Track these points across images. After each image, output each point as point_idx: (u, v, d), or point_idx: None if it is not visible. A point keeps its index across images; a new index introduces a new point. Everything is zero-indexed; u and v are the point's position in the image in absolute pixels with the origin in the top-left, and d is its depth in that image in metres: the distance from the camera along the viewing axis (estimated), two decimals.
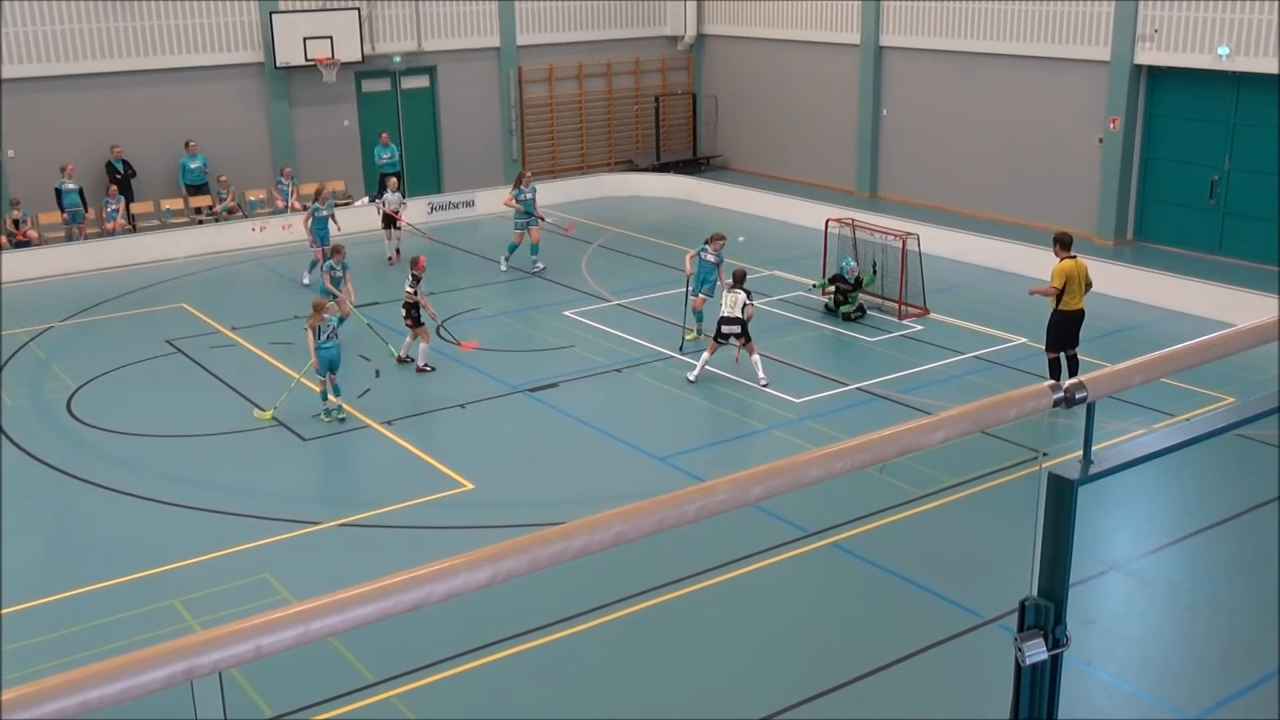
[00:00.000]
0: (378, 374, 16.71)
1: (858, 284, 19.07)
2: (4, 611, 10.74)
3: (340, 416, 15.19)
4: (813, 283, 19.98)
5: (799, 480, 3.28)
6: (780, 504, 11.73)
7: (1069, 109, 23.53)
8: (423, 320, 16.80)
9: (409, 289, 16.71)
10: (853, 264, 19.23)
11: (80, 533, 12.49)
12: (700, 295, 17.84)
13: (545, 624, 10.22)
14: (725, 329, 15.94)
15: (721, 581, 11.03)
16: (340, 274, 17.88)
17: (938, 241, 21.81)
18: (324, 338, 14.91)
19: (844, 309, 19.00)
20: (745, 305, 15.90)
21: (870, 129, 27.56)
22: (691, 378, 16.25)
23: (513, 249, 21.97)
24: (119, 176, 24.69)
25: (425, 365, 16.84)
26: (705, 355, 16.32)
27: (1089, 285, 15.20)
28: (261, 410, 15.43)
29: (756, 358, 16.03)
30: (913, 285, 19.08)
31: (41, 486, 13.56)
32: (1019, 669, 3.71)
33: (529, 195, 21.90)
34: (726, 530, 11.40)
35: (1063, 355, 15.24)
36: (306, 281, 21.29)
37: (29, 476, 13.80)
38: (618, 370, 16.89)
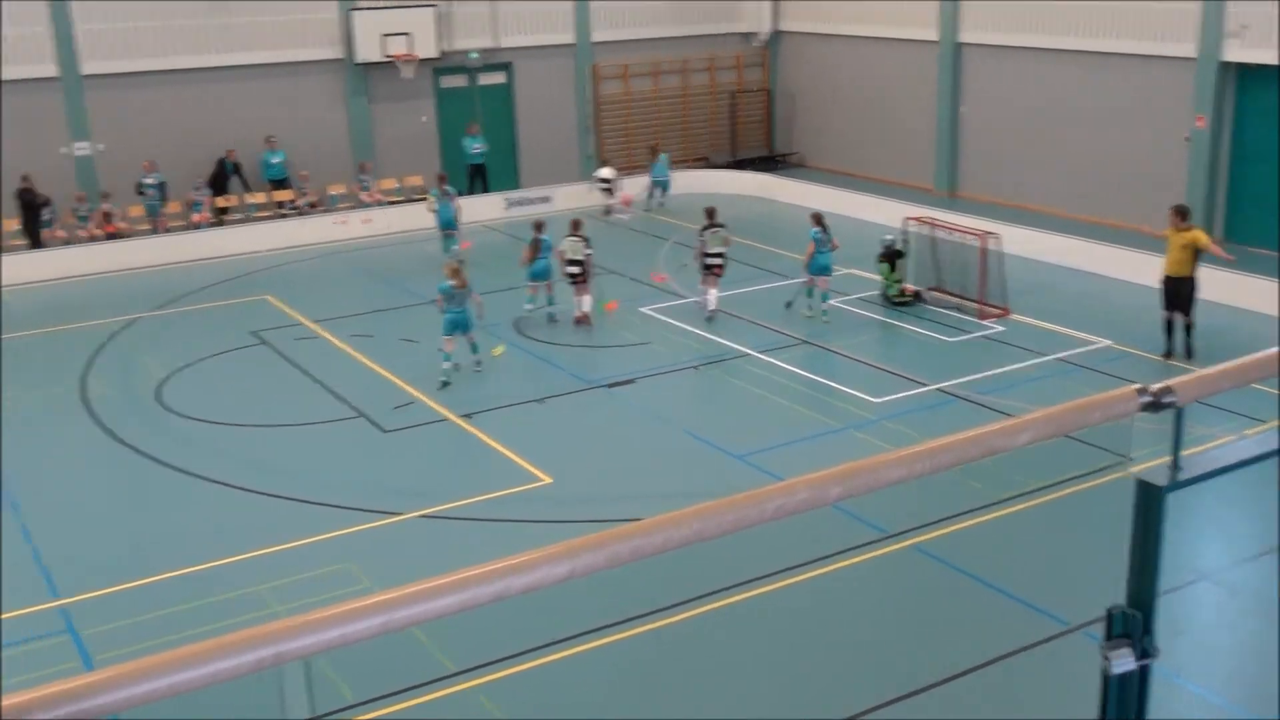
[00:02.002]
0: (457, 368, 16.86)
1: (899, 255, 19.28)
2: (96, 594, 11.02)
3: (476, 370, 16.65)
4: (880, 277, 19.81)
5: (879, 481, 3.26)
6: (859, 504, 11.64)
7: (1154, 107, 23.06)
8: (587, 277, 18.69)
9: (587, 250, 18.43)
10: (889, 237, 19.54)
11: (169, 519, 12.76)
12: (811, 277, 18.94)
13: (621, 620, 10.24)
14: (709, 261, 18.79)
15: (799, 582, 10.98)
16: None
17: (1019, 241, 21.51)
18: (453, 303, 16.08)
19: (889, 292, 19.17)
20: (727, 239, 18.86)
21: (949, 126, 27.23)
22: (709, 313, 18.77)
23: None
24: (228, 177, 25.31)
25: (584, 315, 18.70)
26: (713, 291, 18.84)
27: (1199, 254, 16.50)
28: (496, 347, 17.32)
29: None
30: (993, 285, 18.83)
31: (132, 472, 13.89)
32: (1106, 679, 3.64)
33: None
34: (805, 530, 11.34)
35: (1177, 316, 16.58)
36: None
37: (121, 462, 14.15)
38: (695, 367, 16.88)
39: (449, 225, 22.78)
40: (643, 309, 19.50)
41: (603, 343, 18.13)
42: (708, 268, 18.85)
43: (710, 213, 19.25)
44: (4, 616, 10.64)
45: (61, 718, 2.34)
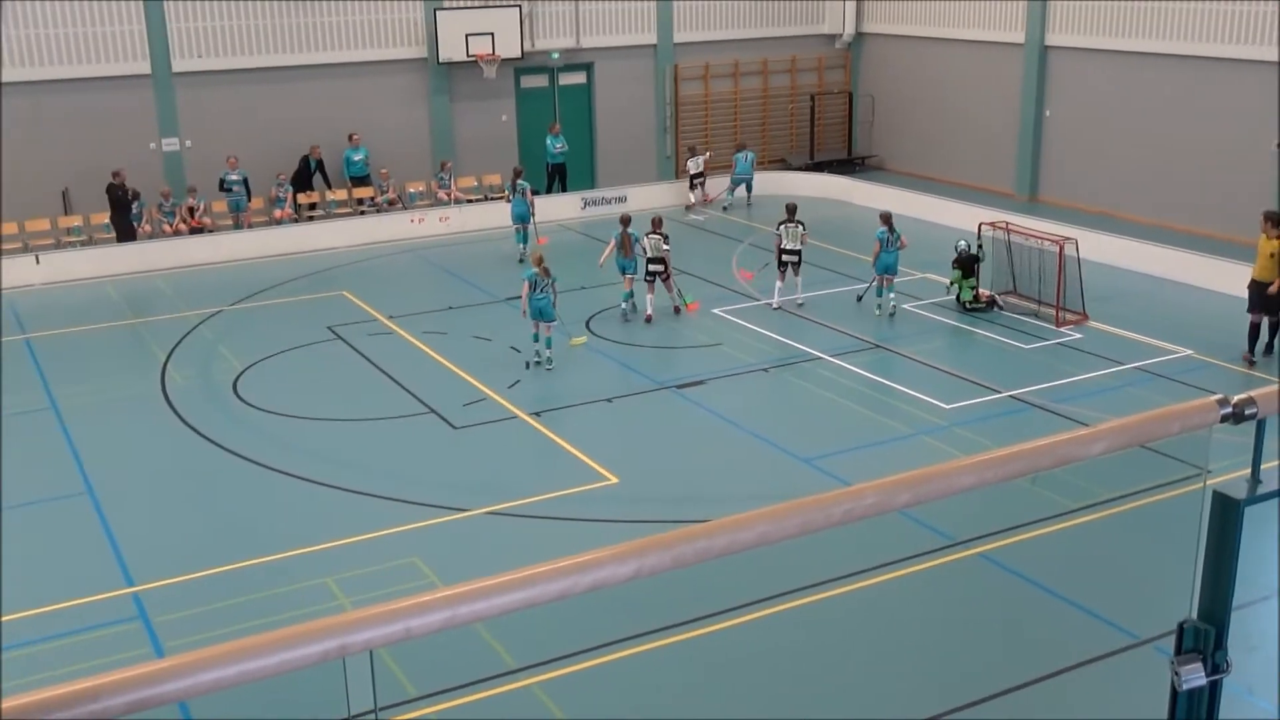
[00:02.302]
0: (528, 366, 16.95)
1: (975, 260, 19.06)
2: (169, 582, 11.24)
3: (548, 368, 16.86)
4: (949, 281, 19.61)
5: (949, 488, 3.22)
6: (927, 511, 11.52)
7: (1243, 113, 22.53)
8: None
9: (666, 246, 18.87)
10: (963, 243, 19.36)
11: (240, 509, 12.98)
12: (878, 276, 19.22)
13: (684, 620, 10.24)
14: (785, 258, 19.39)
15: (865, 587, 10.89)
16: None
17: (1100, 247, 21.15)
18: (538, 290, 16.48)
19: (963, 297, 18.99)
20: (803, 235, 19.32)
21: (1032, 130, 26.85)
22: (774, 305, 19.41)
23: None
24: (312, 174, 25.71)
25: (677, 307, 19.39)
26: (778, 284, 19.45)
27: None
28: (575, 338, 17.78)
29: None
30: (1070, 291, 18.53)
31: (206, 463, 14.15)
32: (1175, 693, 3.57)
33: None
34: (872, 536, 11.25)
35: (1265, 320, 16.66)
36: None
37: (196, 452, 14.42)
38: (765, 370, 16.82)
39: (522, 219, 22.99)
40: (716, 310, 19.47)
41: (675, 343, 18.13)
42: (783, 263, 19.41)
43: (790, 209, 19.78)
44: (80, 601, 10.90)
45: (133, 704, 2.39)
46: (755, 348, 17.69)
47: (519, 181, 23.26)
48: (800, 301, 19.48)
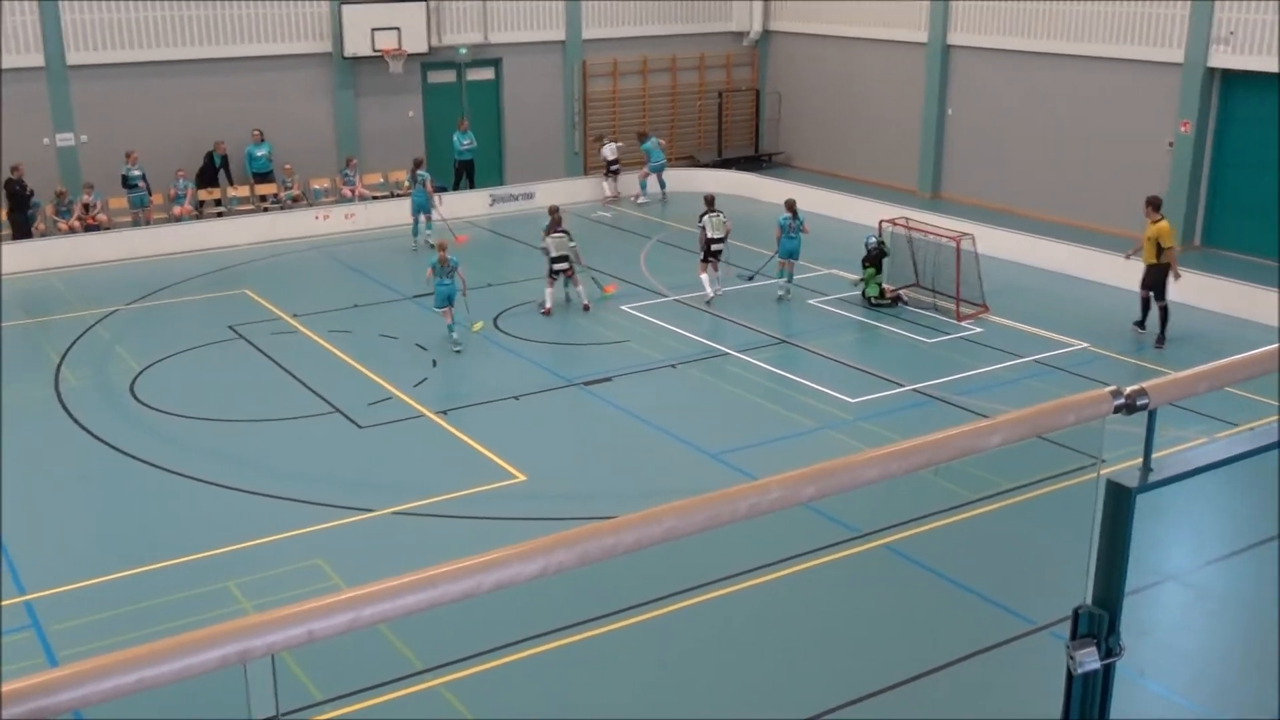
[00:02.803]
0: (434, 364, 16.82)
1: (882, 256, 19.43)
2: (63, 589, 10.95)
3: (456, 349, 17.29)
4: (855, 278, 19.90)
5: (854, 481, 3.26)
6: (832, 504, 11.67)
7: (1139, 112, 23.18)
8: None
9: (572, 242, 19.02)
10: (872, 239, 19.73)
11: (137, 513, 12.69)
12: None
13: (589, 618, 10.24)
14: (714, 247, 19.56)
15: (770, 580, 11.00)
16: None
17: (1000, 243, 21.59)
18: (441, 276, 17.08)
19: (867, 292, 19.34)
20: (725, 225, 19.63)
21: (935, 128, 27.31)
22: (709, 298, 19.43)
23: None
24: (216, 170, 25.20)
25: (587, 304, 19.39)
26: (705, 277, 19.52)
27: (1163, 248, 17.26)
28: (475, 323, 18.03)
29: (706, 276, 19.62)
30: (969, 286, 18.90)
31: (101, 466, 13.81)
32: (1070, 677, 3.66)
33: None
34: (777, 529, 11.36)
35: (1152, 297, 17.48)
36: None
37: (90, 456, 14.06)
38: (672, 366, 16.89)
39: (422, 209, 23.27)
40: (624, 306, 19.50)
41: (582, 339, 18.12)
42: (709, 253, 19.65)
43: (709, 200, 20.19)
44: None
45: (26, 714, 2.32)
46: (663, 344, 17.77)
47: (419, 172, 23.27)
48: (712, 295, 19.56)
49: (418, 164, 23.74)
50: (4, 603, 10.74)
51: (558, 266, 18.95)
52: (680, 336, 18.08)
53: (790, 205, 19.82)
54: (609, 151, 27.55)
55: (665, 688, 9.53)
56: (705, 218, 19.71)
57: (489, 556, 2.81)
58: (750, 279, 20.55)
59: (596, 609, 10.32)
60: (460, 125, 27.19)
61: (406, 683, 9.42)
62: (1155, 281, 17.37)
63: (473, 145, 27.16)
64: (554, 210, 19.77)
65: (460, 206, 26.00)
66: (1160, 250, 17.22)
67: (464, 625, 9.91)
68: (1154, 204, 17.66)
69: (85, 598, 10.81)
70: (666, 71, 30.87)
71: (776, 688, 9.50)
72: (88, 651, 9.61)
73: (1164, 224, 17.43)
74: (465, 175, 27.39)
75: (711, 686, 9.50)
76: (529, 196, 27.13)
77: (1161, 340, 17.31)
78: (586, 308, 19.28)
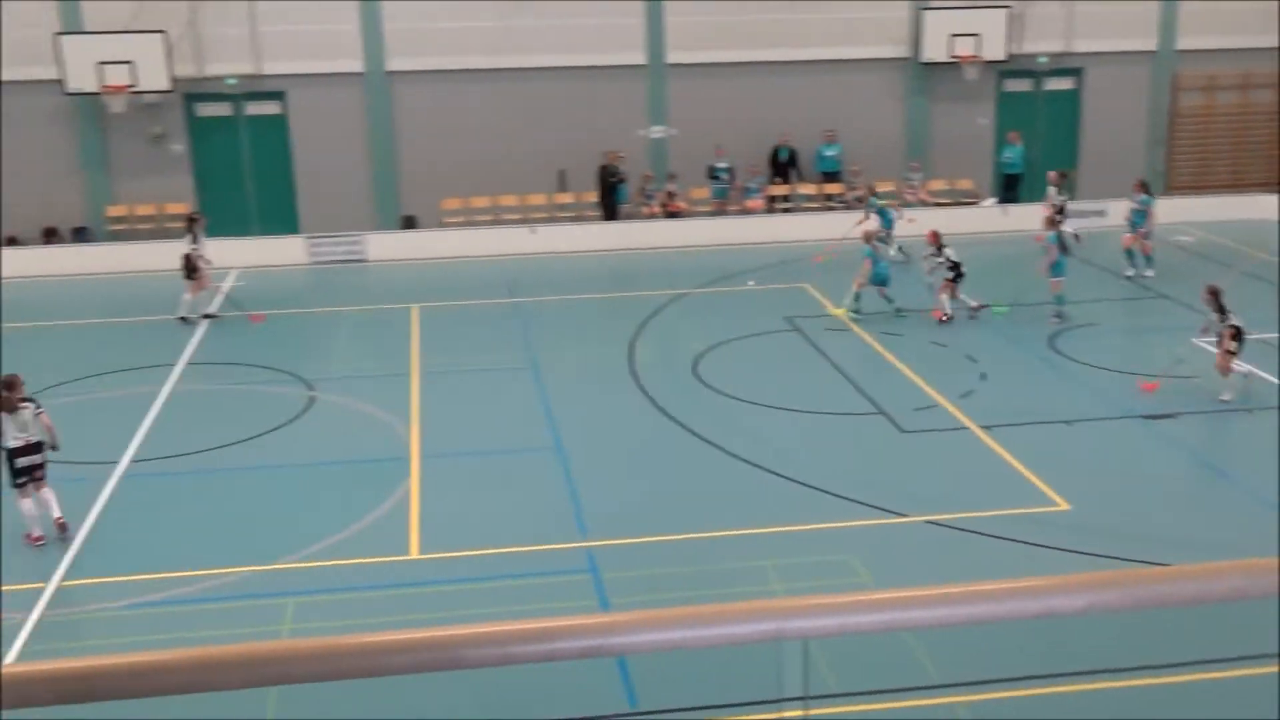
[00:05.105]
0: (983, 377, 16.47)
1: None
2: (619, 542, 11.91)
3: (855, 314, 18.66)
4: None
5: None
6: None
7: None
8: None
9: (955, 257, 18.94)
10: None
11: (690, 483, 13.47)
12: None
13: (1129, 667, 9.54)
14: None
15: None
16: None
17: None
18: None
19: None
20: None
21: None
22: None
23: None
24: (781, 163, 26.44)
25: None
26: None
27: None
28: (837, 308, 18.63)
29: None
30: None
31: (663, 436, 14.86)
32: None
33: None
34: None
35: None
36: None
37: (654, 426, 15.18)
38: (1248, 410, 15.29)
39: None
40: (1194, 340, 17.90)
41: (1141, 370, 16.88)
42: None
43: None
44: (536, 548, 11.79)
45: (580, 651, 2.54)
46: (1244, 385, 16.05)
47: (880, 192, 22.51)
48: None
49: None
50: (569, 545, 11.89)
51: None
52: (1261, 377, 16.31)
53: None
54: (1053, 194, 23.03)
55: None
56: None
57: (1030, 582, 2.70)
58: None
59: (1138, 659, 9.55)
60: (1009, 138, 26.31)
61: (922, 694, 9.28)
62: None
63: (1012, 159, 26.27)
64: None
65: (1024, 218, 24.84)
66: None
67: (982, 646, 9.61)
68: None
69: (637, 553, 11.68)
70: (1272, 88, 27.94)
71: None
72: (634, 603, 10.42)
73: None
74: (1012, 188, 26.50)
75: None
76: (1100, 214, 25.63)
77: None
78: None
